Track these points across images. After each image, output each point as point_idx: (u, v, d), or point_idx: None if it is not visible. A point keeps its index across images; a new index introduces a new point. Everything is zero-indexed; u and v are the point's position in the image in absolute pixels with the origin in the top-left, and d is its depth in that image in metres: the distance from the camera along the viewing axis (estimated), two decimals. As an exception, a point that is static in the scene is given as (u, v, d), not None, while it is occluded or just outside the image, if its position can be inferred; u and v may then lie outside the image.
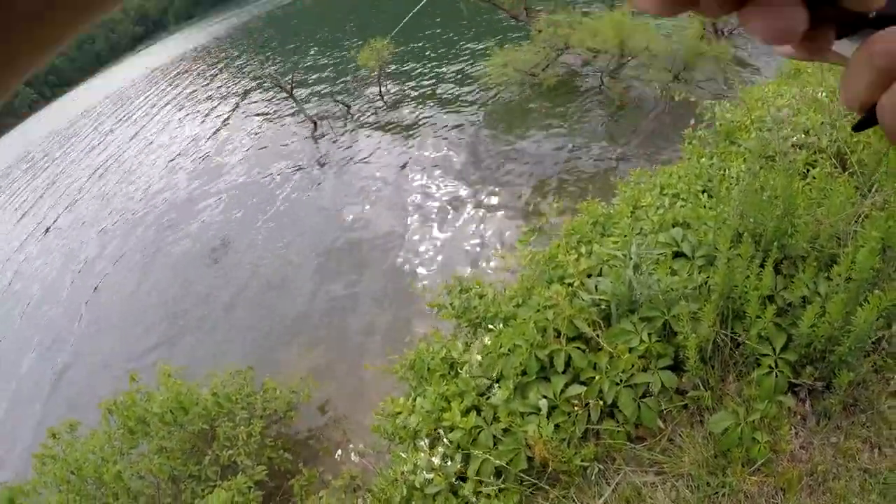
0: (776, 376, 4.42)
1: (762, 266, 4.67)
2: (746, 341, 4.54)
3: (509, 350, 5.00)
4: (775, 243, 4.68)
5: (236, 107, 24.27)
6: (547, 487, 4.71)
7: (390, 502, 5.10)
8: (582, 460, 4.62)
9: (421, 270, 10.98)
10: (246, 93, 22.62)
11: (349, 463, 6.71)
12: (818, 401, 4.57)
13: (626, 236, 5.88)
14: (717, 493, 4.31)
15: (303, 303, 11.38)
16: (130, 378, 7.60)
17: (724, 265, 4.46)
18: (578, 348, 4.85)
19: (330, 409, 8.67)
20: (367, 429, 6.73)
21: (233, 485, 6.54)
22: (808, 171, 5.86)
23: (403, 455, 5.02)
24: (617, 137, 12.66)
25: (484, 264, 10.01)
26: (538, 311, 5.16)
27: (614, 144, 12.42)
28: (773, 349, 4.50)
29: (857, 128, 0.65)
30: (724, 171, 6.49)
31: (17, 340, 15.19)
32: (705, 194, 6.33)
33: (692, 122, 7.67)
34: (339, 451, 6.90)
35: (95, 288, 15.63)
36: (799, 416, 4.57)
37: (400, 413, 5.34)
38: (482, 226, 11.52)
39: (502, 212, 11.75)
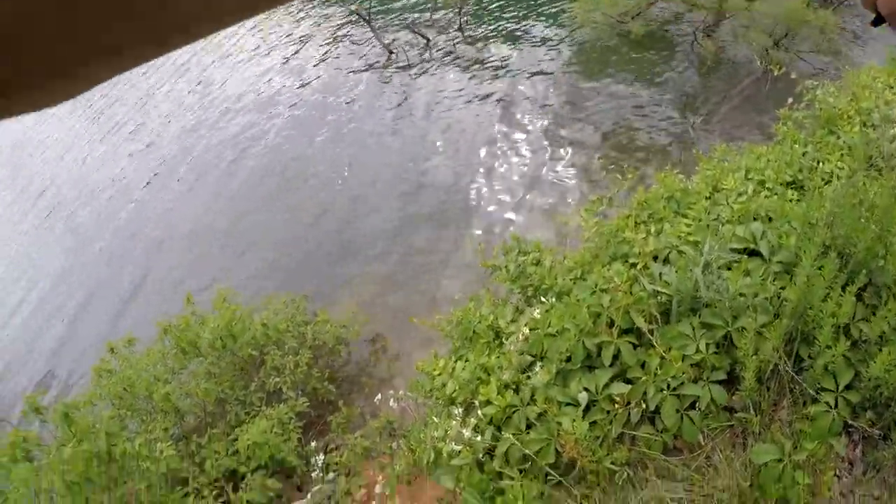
0: (833, 417, 4.09)
1: (844, 289, 4.32)
2: (810, 369, 4.21)
3: (557, 331, 4.70)
4: (864, 268, 4.33)
5: (310, 36, 23.52)
6: (570, 485, 4.49)
7: (418, 462, 4.97)
8: (612, 463, 4.37)
9: (485, 217, 10.59)
10: (324, 18, 21.80)
11: (387, 406, 6.58)
12: (871, 449, 4.26)
13: (700, 220, 5.52)
14: (744, 526, 4.07)
15: (364, 236, 11.11)
16: (186, 300, 7.57)
17: (804, 281, 4.10)
18: (630, 343, 4.54)
19: (378, 346, 8.62)
20: (409, 373, 6.60)
21: (274, 413, 6.57)
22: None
23: (436, 419, 4.83)
24: (704, 102, 11.92)
25: (547, 224, 9.54)
26: (593, 292, 4.85)
27: (700, 109, 11.70)
28: (837, 385, 4.16)
29: (874, 23, 0.79)
30: (819, 164, 6.00)
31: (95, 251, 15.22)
32: (794, 187, 5.86)
33: (790, 100, 7.13)
34: (379, 395, 6.77)
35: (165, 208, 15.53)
36: (847, 461, 4.27)
37: (439, 375, 5.13)
38: (551, 179, 11.02)
39: (573, 170, 11.19)
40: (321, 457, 6.08)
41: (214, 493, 6.02)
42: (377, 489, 5.86)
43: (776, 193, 5.71)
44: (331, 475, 6.18)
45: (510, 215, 10.46)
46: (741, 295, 4.44)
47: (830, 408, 4.11)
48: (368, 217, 11.56)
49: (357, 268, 10.40)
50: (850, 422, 4.18)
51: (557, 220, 6.23)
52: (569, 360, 4.62)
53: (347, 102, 16.03)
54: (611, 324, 4.57)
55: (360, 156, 13.63)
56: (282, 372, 7.11)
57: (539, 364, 4.72)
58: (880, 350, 4.10)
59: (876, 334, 4.15)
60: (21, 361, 12.02)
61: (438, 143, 13.14)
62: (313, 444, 6.23)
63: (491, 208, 10.78)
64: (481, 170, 11.86)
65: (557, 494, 4.53)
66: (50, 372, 11.26)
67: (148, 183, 15.83)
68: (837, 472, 4.17)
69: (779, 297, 4.49)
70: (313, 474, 6.19)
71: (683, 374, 4.29)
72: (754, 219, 5.29)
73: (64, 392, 10.16)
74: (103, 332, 11.07)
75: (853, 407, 4.17)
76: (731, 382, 4.45)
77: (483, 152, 12.40)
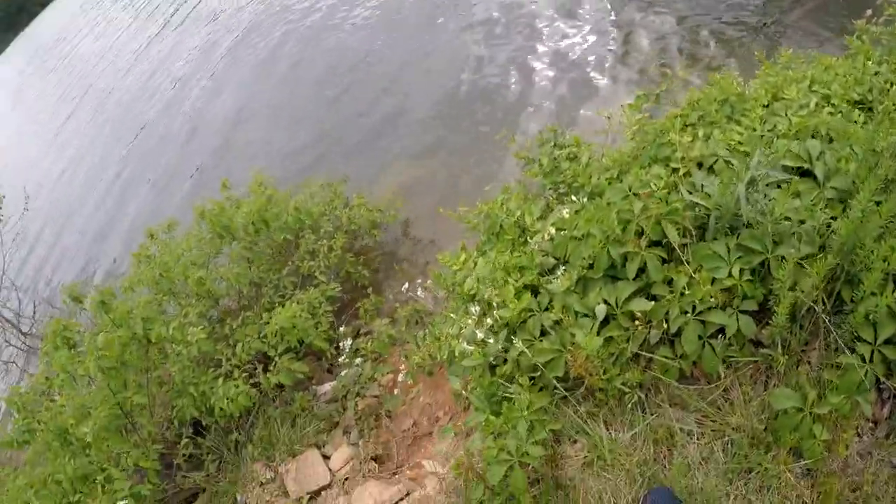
0: (866, 372, 3.72)
1: (900, 229, 3.90)
2: (850, 315, 3.83)
3: (583, 235, 4.40)
4: (929, 212, 3.90)
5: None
6: (576, 402, 4.28)
7: (434, 357, 4.84)
8: (624, 384, 4.12)
9: (531, 108, 10.07)
10: None
11: (416, 294, 6.46)
12: (900, 414, 3.91)
13: (754, 130, 5.03)
14: (750, 468, 3.81)
15: (410, 124, 10.90)
16: (222, 185, 7.56)
17: (858, 215, 3.70)
18: (658, 256, 4.18)
19: (413, 232, 8.53)
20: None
21: (305, 298, 6.59)
22: None
23: (453, 316, 4.65)
24: (771, 6, 10.71)
25: (590, 118, 8.98)
26: (626, 197, 4.48)
27: (771, 7, 10.55)
28: (876, 337, 3.76)
29: None
30: (892, 86, 5.31)
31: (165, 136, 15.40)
32: (861, 108, 5.21)
33: (868, 12, 6.42)
34: (407, 284, 6.65)
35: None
36: (871, 420, 3.92)
37: (459, 270, 4.92)
38: (602, 70, 10.33)
39: (627, 62, 10.40)
40: (349, 342, 6.04)
41: (245, 374, 6.10)
42: (400, 377, 5.81)
43: (840, 112, 5.10)
44: (358, 360, 6.15)
45: (554, 107, 9.97)
46: (786, 219, 4.01)
47: (864, 361, 3.74)
48: (415, 106, 11.33)
49: (400, 153, 10.27)
50: (882, 379, 3.82)
51: (601, 115, 5.78)
52: (591, 267, 4.33)
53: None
54: (640, 233, 4.22)
55: (415, 50, 13.26)
56: (316, 256, 7.08)
57: (562, 268, 4.46)
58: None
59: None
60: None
61: (489, 33, 12.61)
62: (342, 328, 6.18)
63: (539, 100, 10.25)
64: (532, 61, 11.28)
65: (565, 409, 4.33)
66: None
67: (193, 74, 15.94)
68: (859, 430, 3.84)
69: (828, 228, 4.04)
70: (340, 359, 6.18)
71: (712, 298, 3.95)
72: (812, 136, 4.80)
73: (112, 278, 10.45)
74: (147, 219, 11.30)
75: (889, 364, 3.80)
76: (763, 314, 4.10)
77: (533, 40, 11.80)
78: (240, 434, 6.20)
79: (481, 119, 10.12)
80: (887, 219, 3.65)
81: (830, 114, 5.02)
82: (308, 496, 5.55)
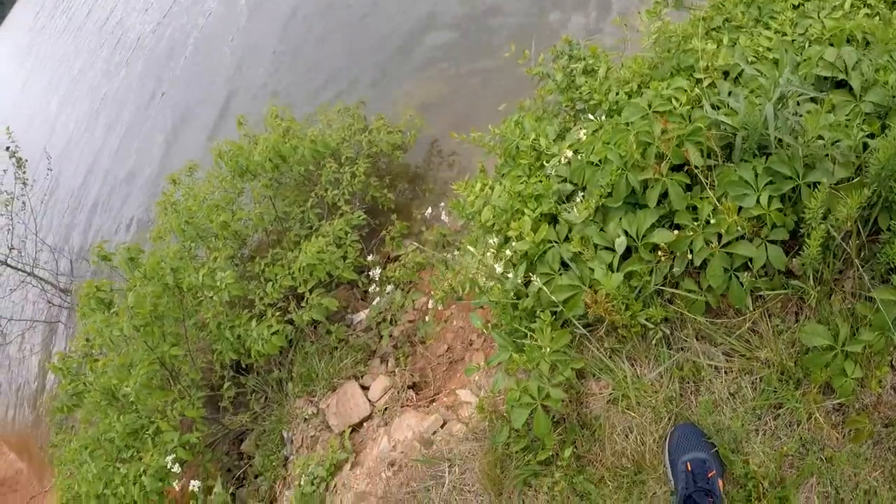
0: (902, 307, 3.46)
1: (948, 151, 3.56)
2: (887, 245, 3.55)
3: (600, 161, 4.11)
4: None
5: None
6: (599, 338, 4.13)
7: (455, 290, 4.72)
8: (647, 319, 3.94)
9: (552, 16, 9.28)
10: None
11: (440, 220, 6.30)
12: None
13: (785, 35, 4.57)
14: (780, 404, 3.65)
15: (428, 40, 10.24)
16: (238, 122, 7.41)
17: (899, 134, 3.35)
18: (681, 183, 3.88)
19: (436, 152, 8.26)
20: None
21: (330, 230, 6.50)
22: None
23: (471, 248, 4.49)
24: None
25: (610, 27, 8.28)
26: (645, 116, 4.14)
27: None
28: (914, 269, 3.51)
29: None
30: None
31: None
32: None
33: None
34: (430, 209, 6.48)
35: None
36: (909, 354, 3.67)
37: (475, 199, 4.73)
38: None
39: None
40: (378, 271, 5.97)
41: (278, 313, 6.11)
42: (429, 304, 5.75)
43: (878, 13, 4.57)
44: (389, 288, 6.09)
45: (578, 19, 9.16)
46: (819, 138, 3.65)
47: (899, 296, 3.48)
48: (434, 21, 10.59)
49: (419, 69, 9.77)
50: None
51: (615, 23, 5.40)
52: (610, 195, 4.06)
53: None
54: (661, 156, 3.92)
55: None
56: (339, 184, 6.91)
57: (580, 194, 4.22)
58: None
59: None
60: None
61: None
62: (371, 257, 6.10)
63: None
64: None
65: (588, 345, 4.18)
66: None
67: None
68: (893, 363, 3.59)
69: (865, 148, 3.68)
70: (370, 289, 6.12)
71: (738, 228, 3.70)
72: (848, 41, 4.32)
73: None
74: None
75: (927, 294, 3.52)
76: (794, 242, 3.83)
77: None
78: (281, 371, 6.26)
79: (497, 38, 9.42)
80: (931, 136, 3.33)
81: (867, 15, 4.58)
82: (350, 429, 5.59)
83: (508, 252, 4.27)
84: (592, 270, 3.93)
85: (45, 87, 25.11)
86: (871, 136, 3.76)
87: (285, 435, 5.95)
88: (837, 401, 3.54)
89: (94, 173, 15.17)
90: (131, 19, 20.98)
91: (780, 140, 3.79)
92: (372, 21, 11.35)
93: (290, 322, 6.17)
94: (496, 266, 4.23)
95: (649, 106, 4.23)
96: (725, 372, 3.86)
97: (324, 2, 12.79)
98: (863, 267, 3.74)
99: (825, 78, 4.12)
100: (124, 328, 5.43)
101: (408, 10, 11.08)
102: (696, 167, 3.86)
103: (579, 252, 4.06)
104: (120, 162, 14.36)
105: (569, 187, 4.38)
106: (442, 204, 5.59)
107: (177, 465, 5.35)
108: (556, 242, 4.24)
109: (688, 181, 3.94)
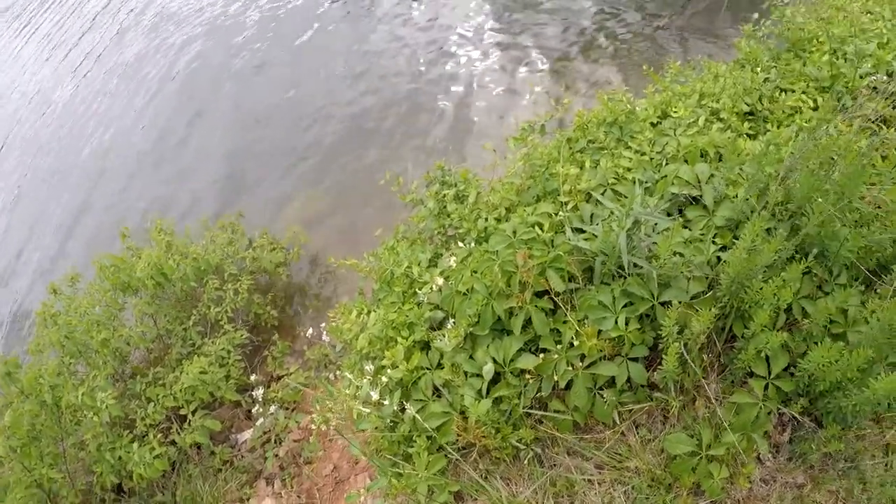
0: (760, 408, 3.56)
1: (789, 261, 3.72)
2: (742, 352, 3.66)
3: (468, 290, 4.12)
4: (817, 243, 3.74)
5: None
6: (473, 461, 4.10)
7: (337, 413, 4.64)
8: (518, 440, 3.93)
9: (430, 134, 9.59)
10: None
11: (321, 340, 6.23)
12: (799, 436, 3.77)
13: (643, 154, 4.79)
14: (653, 511, 3.64)
15: (308, 154, 10.18)
16: (121, 236, 7.20)
17: (745, 249, 3.49)
18: (543, 309, 3.93)
19: (320, 269, 8.19)
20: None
21: (213, 349, 6.32)
22: (879, 130, 4.64)
23: (349, 375, 4.41)
24: (660, 7, 10.29)
25: (477, 145, 8.65)
26: (510, 245, 4.19)
27: (662, 11, 10.13)
28: (769, 372, 3.60)
29: None
30: (782, 93, 5.22)
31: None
32: (751, 119, 5.10)
33: (755, 15, 6.16)
34: (311, 329, 6.41)
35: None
36: (773, 445, 3.77)
37: (350, 327, 4.69)
38: (492, 94, 9.84)
39: (517, 80, 9.92)
40: (261, 391, 5.83)
41: (160, 434, 5.83)
42: (312, 425, 5.65)
43: (730, 126, 4.95)
44: (273, 408, 5.95)
45: (447, 133, 9.55)
46: (676, 253, 3.82)
47: (759, 399, 3.57)
48: (314, 134, 10.59)
49: (301, 186, 9.66)
50: (781, 408, 3.67)
51: (486, 148, 5.53)
52: (478, 323, 4.06)
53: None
54: (524, 284, 3.93)
55: (306, 72, 12.30)
56: (221, 302, 6.75)
57: (451, 321, 4.22)
58: (823, 334, 3.57)
59: (821, 319, 3.58)
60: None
61: (383, 60, 11.74)
62: (254, 376, 5.97)
63: (436, 126, 9.79)
64: (426, 84, 10.70)
65: (464, 468, 4.14)
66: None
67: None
68: (760, 456, 3.69)
69: (718, 260, 3.87)
70: (253, 409, 5.98)
71: (600, 349, 3.75)
72: (702, 155, 4.60)
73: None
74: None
75: (785, 395, 3.64)
76: (655, 352, 3.89)
77: (429, 63, 11.16)
78: (164, 495, 5.93)
79: (377, 152, 9.68)
80: (776, 250, 3.47)
81: (720, 130, 4.82)
82: (235, 557, 5.37)
83: (384, 378, 4.22)
84: (463, 397, 3.93)
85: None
86: (724, 248, 3.91)
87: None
88: (709, 501, 3.57)
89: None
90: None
91: (634, 264, 3.91)
92: (265, 133, 11.25)
93: (173, 443, 5.85)
94: (372, 393, 4.17)
95: (514, 234, 4.28)
96: (598, 483, 3.83)
97: (221, 105, 12.52)
98: (722, 374, 3.85)
99: (681, 194, 4.29)
100: (0, 448, 5.17)
101: (299, 127, 11.02)
102: (558, 293, 3.93)
103: (451, 379, 4.06)
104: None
105: (440, 314, 4.36)
106: (322, 324, 5.49)
107: None
108: (428, 369, 4.18)
109: (550, 307, 3.97)
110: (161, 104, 13.01)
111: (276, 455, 5.89)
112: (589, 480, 3.87)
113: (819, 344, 3.35)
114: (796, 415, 3.64)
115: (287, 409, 6.21)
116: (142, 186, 11.18)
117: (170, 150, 11.70)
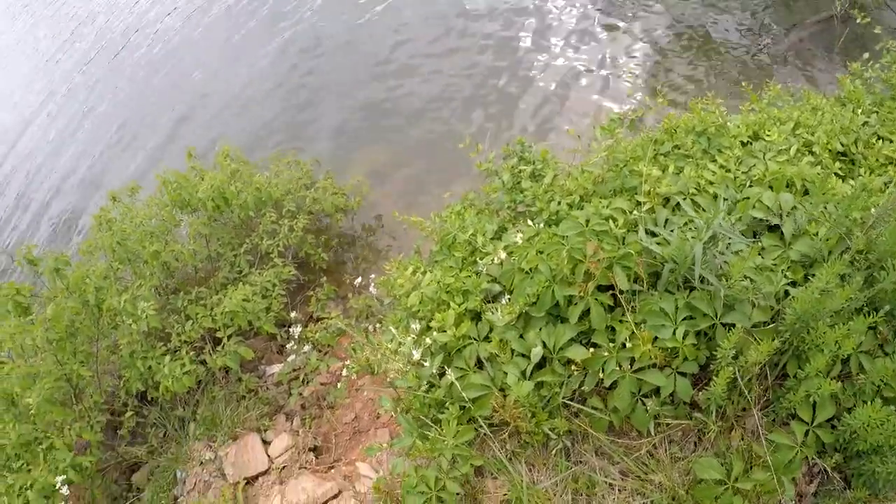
0: (797, 453, 3.52)
1: (857, 311, 3.65)
2: (791, 392, 3.61)
3: (531, 269, 4.09)
4: (889, 301, 3.66)
5: None
6: (502, 439, 4.08)
7: (371, 365, 4.63)
8: (551, 429, 3.92)
9: (519, 111, 9.50)
10: None
11: (368, 292, 6.23)
12: (825, 490, 3.72)
13: (729, 171, 4.72)
14: (667, 532, 3.61)
15: (393, 112, 10.17)
16: (187, 154, 7.25)
17: (818, 289, 3.43)
18: (603, 304, 3.89)
19: (378, 221, 8.28)
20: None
21: (259, 280, 6.38)
22: None
23: (393, 330, 4.41)
24: (769, 26, 10.01)
25: (561, 128, 8.67)
26: (581, 233, 4.12)
27: (767, 31, 9.88)
28: (813, 419, 3.56)
29: None
30: (879, 140, 5.07)
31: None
32: (843, 160, 4.98)
33: (865, 55, 6.03)
34: (360, 278, 6.40)
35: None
36: (797, 493, 3.71)
37: (406, 282, 4.68)
38: (585, 79, 9.73)
39: (612, 70, 9.77)
40: (298, 329, 5.85)
41: (193, 352, 5.89)
42: (343, 372, 5.65)
43: (821, 162, 4.82)
44: (306, 348, 5.98)
45: (540, 114, 9.41)
46: (747, 277, 3.74)
47: (797, 444, 3.53)
48: (403, 95, 10.53)
49: (378, 137, 9.71)
50: (815, 459, 3.61)
51: (570, 133, 5.48)
52: (535, 304, 4.04)
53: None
54: (589, 275, 3.90)
55: (406, 34, 12.12)
56: (275, 235, 6.79)
57: (506, 297, 4.20)
58: (875, 394, 3.50)
59: (876, 378, 3.51)
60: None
61: (483, 27, 11.55)
62: (294, 314, 5.98)
63: (526, 103, 9.66)
64: (522, 63, 10.50)
65: (490, 443, 4.13)
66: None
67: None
68: (782, 501, 3.62)
69: (786, 294, 3.80)
70: (287, 345, 6.00)
71: (652, 356, 3.72)
72: (787, 185, 4.49)
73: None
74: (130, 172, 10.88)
75: (822, 445, 3.58)
76: (704, 371, 3.84)
77: (534, 33, 10.97)
78: (185, 410, 6.03)
79: (460, 119, 9.64)
80: (847, 298, 3.41)
81: (811, 163, 4.72)
82: (245, 481, 5.40)
83: (429, 340, 4.22)
84: (506, 374, 3.91)
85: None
86: (794, 283, 3.84)
87: (179, 475, 5.72)
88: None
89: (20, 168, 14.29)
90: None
91: (702, 280, 3.86)
92: (348, 80, 11.25)
93: (203, 363, 5.93)
94: (414, 352, 4.17)
95: (587, 223, 4.24)
96: (619, 490, 3.81)
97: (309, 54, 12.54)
98: (766, 409, 3.79)
99: (760, 219, 4.22)
100: (38, 339, 5.24)
101: (385, 83, 10.99)
102: (622, 291, 3.89)
103: (496, 354, 4.04)
104: (54, 158, 13.57)
105: (497, 288, 4.36)
106: (372, 275, 5.50)
107: (66, 486, 5.12)
108: (475, 339, 4.19)
109: (611, 303, 3.95)
110: (289, 43, 13.10)
111: (301, 394, 5.94)
112: (610, 484, 3.86)
113: (869, 403, 3.31)
114: (828, 468, 3.59)
115: (320, 351, 6.24)
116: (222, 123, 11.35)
117: (281, 88, 11.79)
